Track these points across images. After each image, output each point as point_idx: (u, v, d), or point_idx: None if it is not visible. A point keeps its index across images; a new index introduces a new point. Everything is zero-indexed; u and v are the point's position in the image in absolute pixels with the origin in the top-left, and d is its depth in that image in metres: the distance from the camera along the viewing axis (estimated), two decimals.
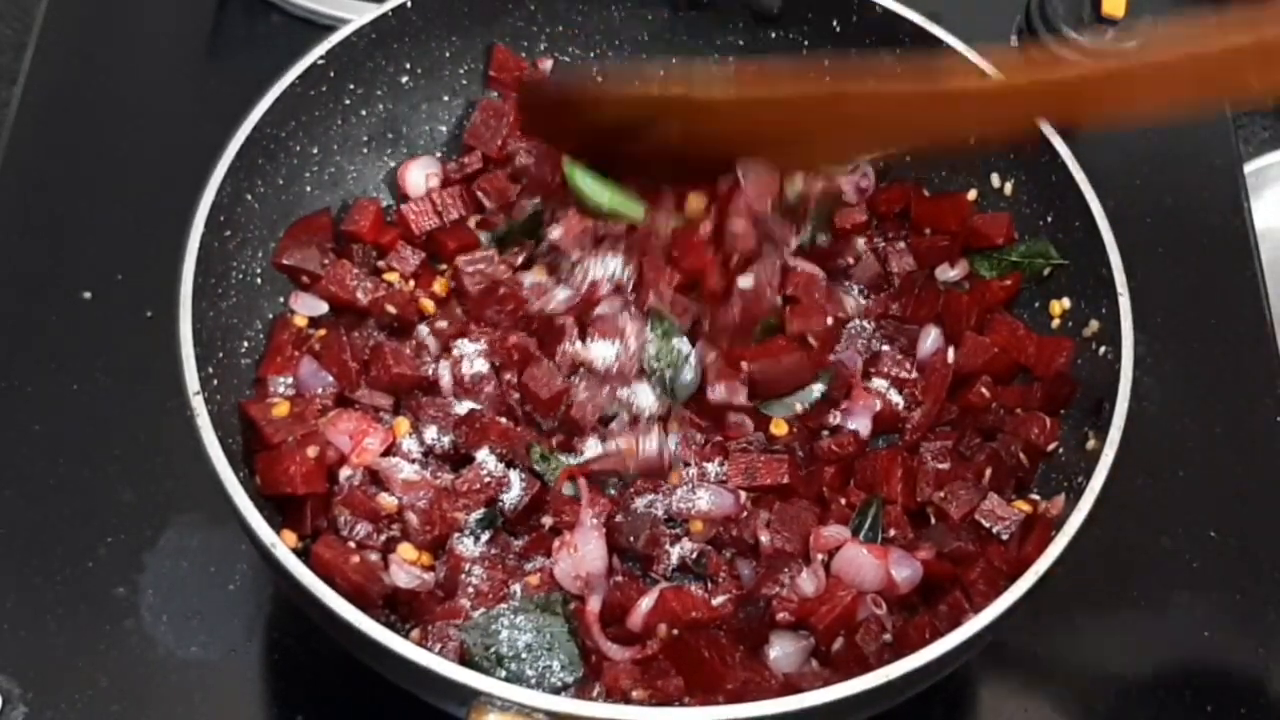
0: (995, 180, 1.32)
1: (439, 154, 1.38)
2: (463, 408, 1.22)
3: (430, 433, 1.21)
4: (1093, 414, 1.16)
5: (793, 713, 0.95)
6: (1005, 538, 1.17)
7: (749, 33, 1.38)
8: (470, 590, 1.14)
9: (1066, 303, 1.26)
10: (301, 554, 1.05)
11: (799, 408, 1.25)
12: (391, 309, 1.25)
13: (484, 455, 1.19)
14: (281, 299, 1.26)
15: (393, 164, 1.36)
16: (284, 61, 1.23)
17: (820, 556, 1.17)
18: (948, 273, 1.33)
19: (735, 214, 1.18)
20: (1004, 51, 1.51)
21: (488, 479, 1.18)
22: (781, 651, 1.13)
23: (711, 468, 1.22)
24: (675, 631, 1.13)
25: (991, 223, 1.31)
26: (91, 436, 1.29)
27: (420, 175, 1.35)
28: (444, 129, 1.39)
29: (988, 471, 1.21)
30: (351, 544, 1.13)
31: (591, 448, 1.22)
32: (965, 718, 1.23)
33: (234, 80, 1.31)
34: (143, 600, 1.22)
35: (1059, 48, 1.54)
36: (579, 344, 1.22)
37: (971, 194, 1.34)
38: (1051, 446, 1.20)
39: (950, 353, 1.28)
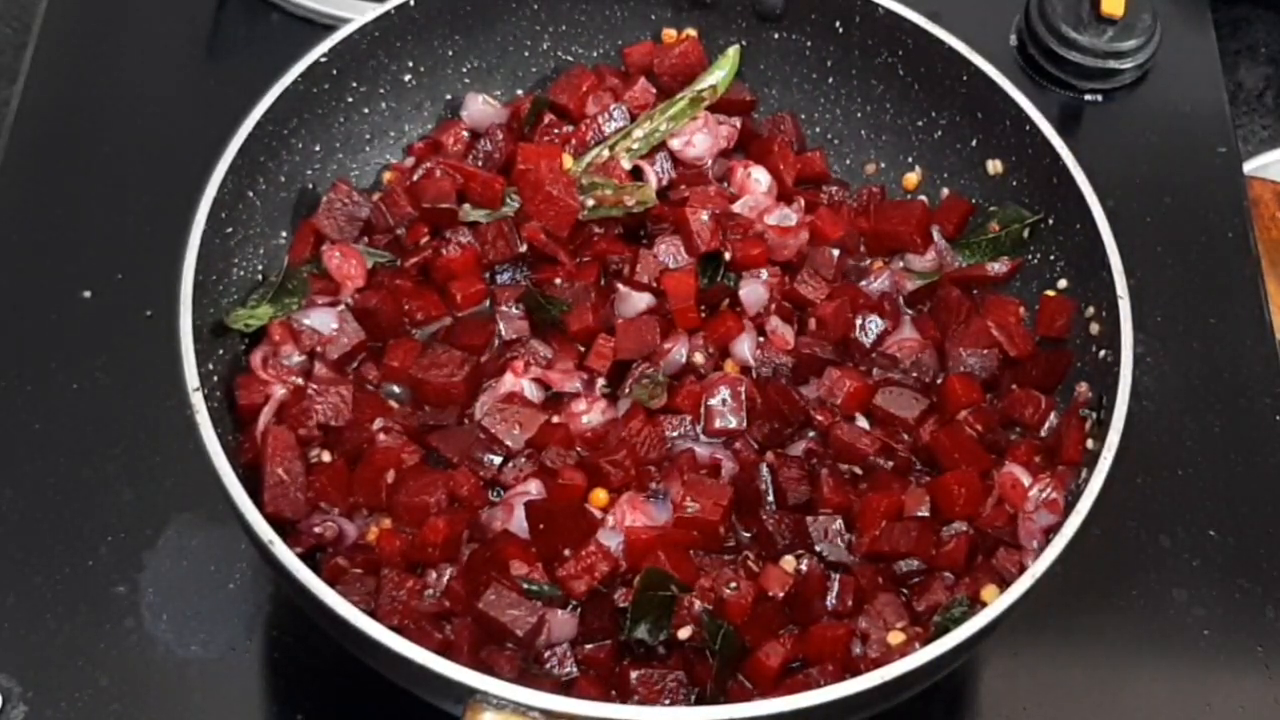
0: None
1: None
2: None
3: None
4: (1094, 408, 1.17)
5: (792, 712, 0.96)
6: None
7: (752, 33, 1.38)
8: None
9: None
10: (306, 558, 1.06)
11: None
12: None
13: None
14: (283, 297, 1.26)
15: (394, 162, 1.36)
16: (284, 61, 1.23)
17: None
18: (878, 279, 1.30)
19: None
20: None
21: None
22: None
23: None
24: None
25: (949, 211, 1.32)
26: (91, 436, 1.29)
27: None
28: None
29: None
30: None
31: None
32: (964, 718, 1.23)
33: (234, 80, 1.31)
34: (143, 599, 1.22)
35: (1059, 48, 1.54)
36: None
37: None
38: (1046, 426, 1.20)
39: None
